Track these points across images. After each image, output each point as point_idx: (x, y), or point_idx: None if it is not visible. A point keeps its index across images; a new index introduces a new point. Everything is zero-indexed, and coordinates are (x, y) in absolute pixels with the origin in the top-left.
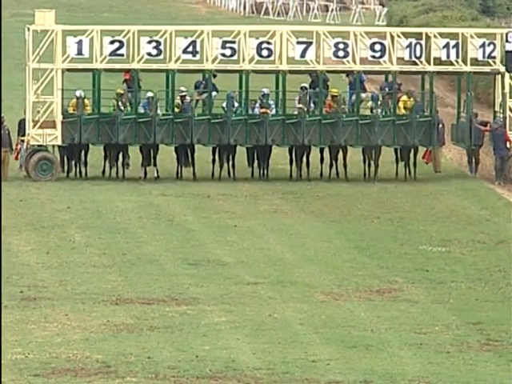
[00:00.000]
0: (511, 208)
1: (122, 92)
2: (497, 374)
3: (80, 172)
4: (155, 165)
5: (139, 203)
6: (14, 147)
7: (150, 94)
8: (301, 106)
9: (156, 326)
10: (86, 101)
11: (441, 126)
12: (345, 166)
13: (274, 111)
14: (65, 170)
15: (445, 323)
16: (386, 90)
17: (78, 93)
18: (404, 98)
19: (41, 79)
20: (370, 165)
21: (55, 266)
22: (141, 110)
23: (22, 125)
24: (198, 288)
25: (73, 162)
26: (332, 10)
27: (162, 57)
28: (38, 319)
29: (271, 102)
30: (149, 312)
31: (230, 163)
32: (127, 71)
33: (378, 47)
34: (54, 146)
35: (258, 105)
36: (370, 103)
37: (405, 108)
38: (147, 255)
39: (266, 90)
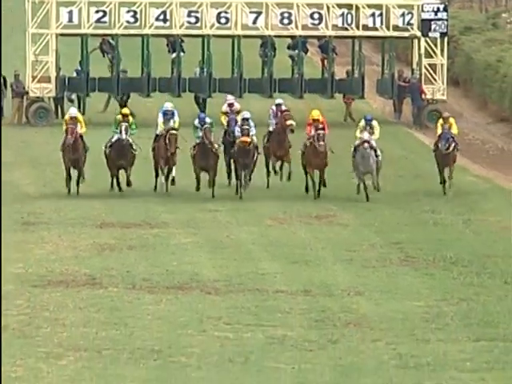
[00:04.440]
0: (426, 148)
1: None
2: (413, 285)
3: None
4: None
5: None
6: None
7: (168, 107)
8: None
9: (133, 245)
10: (79, 117)
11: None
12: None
13: (253, 133)
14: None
15: (371, 243)
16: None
17: (72, 111)
18: (440, 121)
19: (38, 42)
20: None
21: (50, 196)
22: (160, 119)
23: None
24: (168, 214)
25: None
26: None
27: (138, 24)
28: (36, 240)
29: (251, 124)
30: (127, 234)
31: None
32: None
33: (316, 16)
34: (49, 97)
35: (237, 128)
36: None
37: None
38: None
39: (247, 114)
